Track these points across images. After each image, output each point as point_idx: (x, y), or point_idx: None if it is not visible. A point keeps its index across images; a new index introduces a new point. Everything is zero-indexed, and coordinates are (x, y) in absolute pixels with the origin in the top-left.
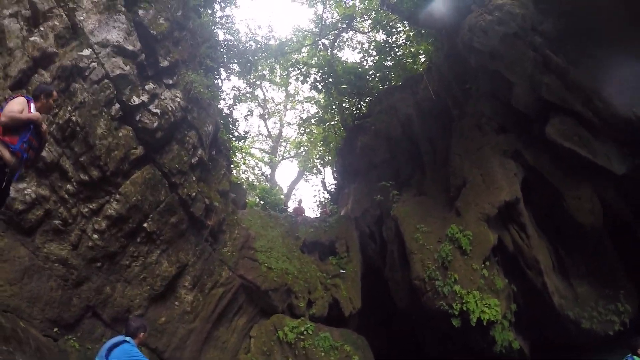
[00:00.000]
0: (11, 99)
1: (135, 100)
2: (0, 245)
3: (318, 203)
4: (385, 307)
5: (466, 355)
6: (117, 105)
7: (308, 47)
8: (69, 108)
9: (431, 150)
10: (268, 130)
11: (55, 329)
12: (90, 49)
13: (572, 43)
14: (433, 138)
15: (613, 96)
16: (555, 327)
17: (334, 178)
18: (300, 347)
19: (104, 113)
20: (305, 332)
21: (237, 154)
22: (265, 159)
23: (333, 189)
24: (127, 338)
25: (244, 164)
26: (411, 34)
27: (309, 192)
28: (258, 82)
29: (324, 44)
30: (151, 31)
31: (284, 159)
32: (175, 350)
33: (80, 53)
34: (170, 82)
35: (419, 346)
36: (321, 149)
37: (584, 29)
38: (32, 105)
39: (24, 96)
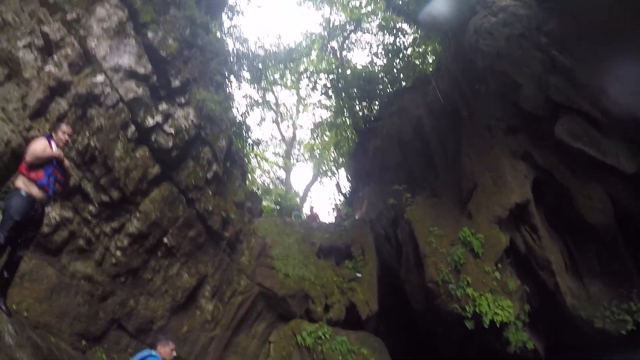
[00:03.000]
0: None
1: (150, 122)
2: (29, 267)
3: (333, 206)
4: (402, 309)
5: (482, 356)
6: (133, 128)
7: (317, 51)
8: (87, 134)
9: (443, 151)
10: (281, 133)
11: (83, 342)
12: (103, 75)
13: (577, 43)
14: (444, 139)
15: (620, 95)
16: (569, 327)
17: (348, 181)
18: (319, 351)
19: (120, 136)
20: (322, 337)
21: (251, 159)
22: (280, 163)
23: (347, 192)
24: (153, 352)
25: (259, 168)
26: (418, 34)
27: (324, 194)
28: (269, 88)
29: (332, 48)
30: (161, 53)
31: (298, 162)
32: (197, 358)
33: (94, 79)
34: (183, 100)
35: (435, 348)
36: (334, 152)
37: (588, 28)
38: (53, 142)
39: (44, 136)
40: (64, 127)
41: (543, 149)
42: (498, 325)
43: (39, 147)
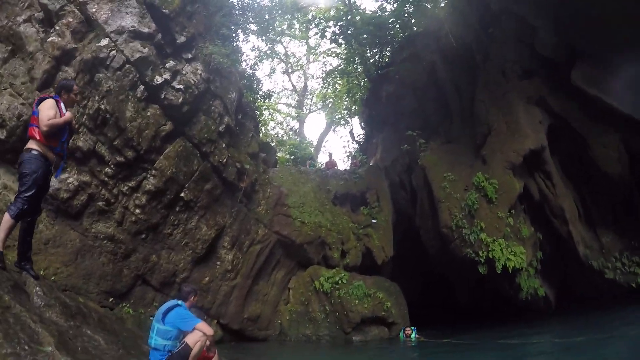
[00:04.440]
0: (40, 101)
1: (158, 80)
2: (52, 233)
3: (348, 154)
4: (418, 254)
5: (495, 302)
6: (142, 87)
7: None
8: (97, 97)
9: (457, 97)
10: (292, 84)
11: (111, 299)
12: (107, 39)
13: None
14: (459, 84)
15: None
16: (580, 277)
17: (362, 128)
18: (336, 296)
19: (130, 96)
20: (340, 282)
21: (264, 112)
22: (293, 114)
23: (362, 140)
24: (180, 302)
25: (272, 120)
26: None
27: (338, 143)
28: (277, 39)
29: None
30: (163, 10)
31: (311, 112)
32: (220, 306)
33: (99, 44)
34: (190, 56)
35: (450, 294)
36: (347, 100)
37: None
38: (62, 104)
39: (52, 97)
40: (75, 87)
41: (558, 95)
42: (510, 271)
43: (52, 113)
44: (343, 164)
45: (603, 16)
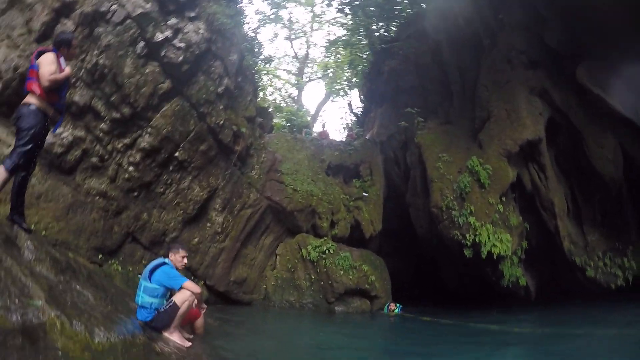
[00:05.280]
0: (40, 55)
1: (159, 37)
2: (45, 187)
3: (344, 125)
4: (406, 232)
5: (479, 288)
6: (142, 44)
7: None
8: (95, 52)
9: (460, 79)
10: (294, 51)
11: (100, 256)
12: None
13: None
14: (463, 67)
15: None
16: (562, 271)
17: (361, 101)
18: (322, 265)
19: (129, 52)
20: (327, 251)
21: (263, 77)
22: (292, 81)
23: (359, 112)
24: (167, 260)
25: (271, 86)
26: None
27: (335, 114)
28: (282, 3)
29: None
30: None
31: (310, 80)
32: (207, 267)
33: None
34: (193, 14)
35: (437, 272)
36: (348, 71)
37: None
38: (62, 58)
39: (51, 51)
40: (74, 42)
41: (562, 89)
42: (495, 257)
43: (53, 67)
44: (339, 135)
45: (611, 16)
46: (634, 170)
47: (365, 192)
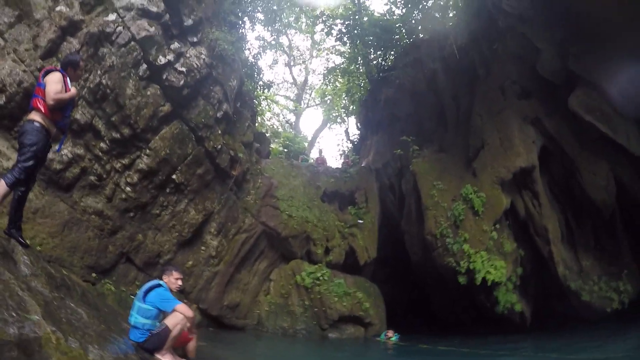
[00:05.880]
0: (47, 74)
1: (162, 60)
2: (42, 203)
3: (341, 152)
4: (400, 259)
5: (472, 314)
6: (145, 66)
7: None
8: (99, 72)
9: (455, 107)
10: (293, 77)
11: (94, 274)
12: (115, 14)
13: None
14: (457, 95)
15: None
16: (557, 296)
17: (357, 128)
18: (316, 292)
19: (132, 74)
20: (321, 278)
21: (262, 102)
22: (290, 107)
23: (356, 139)
24: (161, 282)
25: (269, 111)
26: None
27: (332, 140)
28: (283, 30)
29: None
30: None
31: (308, 107)
32: (200, 291)
33: (106, 18)
34: (195, 39)
35: (429, 299)
36: (345, 99)
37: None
38: (68, 78)
39: (58, 70)
40: (81, 64)
41: (554, 117)
42: (489, 284)
43: (59, 87)
44: (335, 162)
45: (605, 47)
46: (626, 195)
47: (360, 219)
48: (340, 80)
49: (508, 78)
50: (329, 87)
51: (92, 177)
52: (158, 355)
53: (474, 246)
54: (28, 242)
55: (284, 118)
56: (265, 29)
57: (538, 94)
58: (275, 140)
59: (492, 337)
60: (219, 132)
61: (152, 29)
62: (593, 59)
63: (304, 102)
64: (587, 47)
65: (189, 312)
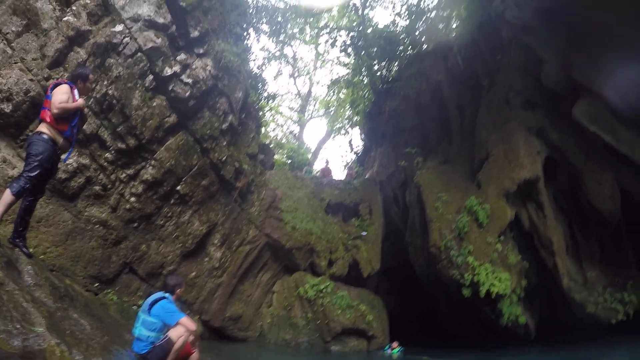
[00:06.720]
0: (55, 86)
1: (168, 71)
2: (46, 212)
3: (345, 164)
4: (404, 271)
5: (477, 326)
6: (151, 77)
7: (339, 7)
8: (105, 82)
9: (459, 118)
10: (297, 88)
11: (96, 284)
12: (122, 25)
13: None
14: (462, 106)
15: None
16: (561, 308)
17: (361, 140)
18: (319, 304)
19: (138, 85)
20: (324, 290)
21: (266, 113)
22: (294, 118)
23: (360, 151)
24: (166, 294)
25: (273, 122)
26: None
27: (336, 151)
28: (288, 42)
29: (354, 4)
30: (181, 3)
31: (312, 118)
32: (203, 302)
33: (113, 29)
34: (201, 51)
35: (434, 312)
36: (349, 110)
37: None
38: (76, 91)
39: (67, 83)
40: (91, 77)
41: (559, 128)
42: (493, 296)
43: (65, 97)
44: (339, 173)
45: (608, 57)
46: (631, 205)
47: (364, 231)
48: (344, 91)
49: (512, 89)
50: (332, 98)
51: (96, 187)
52: None
53: (479, 258)
54: (31, 250)
55: (288, 129)
56: (270, 40)
57: (543, 104)
58: (280, 151)
59: (497, 349)
60: (224, 143)
61: (159, 40)
62: (596, 69)
63: (308, 113)
64: (590, 57)
65: (193, 326)
